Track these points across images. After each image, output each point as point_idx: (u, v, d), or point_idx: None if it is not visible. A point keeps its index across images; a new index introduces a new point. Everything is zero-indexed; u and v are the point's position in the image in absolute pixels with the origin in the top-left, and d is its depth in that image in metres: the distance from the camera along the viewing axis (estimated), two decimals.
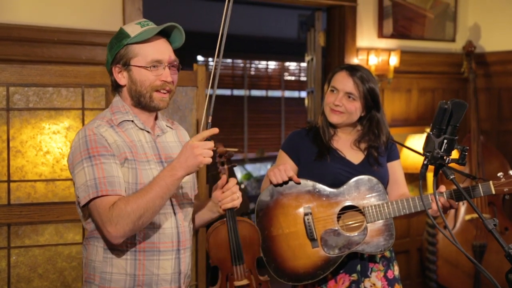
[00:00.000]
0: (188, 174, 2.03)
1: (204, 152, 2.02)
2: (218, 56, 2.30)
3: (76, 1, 3.74)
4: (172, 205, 2.16)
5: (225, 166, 2.42)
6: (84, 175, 2.01)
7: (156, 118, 2.26)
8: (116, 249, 2.09)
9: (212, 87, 2.29)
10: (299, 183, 2.65)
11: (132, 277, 2.10)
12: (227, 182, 2.33)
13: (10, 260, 3.14)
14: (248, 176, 8.80)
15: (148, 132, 2.18)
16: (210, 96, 2.33)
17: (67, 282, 3.25)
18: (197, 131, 3.57)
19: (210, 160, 2.06)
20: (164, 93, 2.15)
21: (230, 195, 2.32)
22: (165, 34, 2.18)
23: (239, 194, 2.34)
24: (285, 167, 2.63)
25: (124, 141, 2.09)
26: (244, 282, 2.53)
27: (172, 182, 2.01)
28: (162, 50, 2.14)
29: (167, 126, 2.30)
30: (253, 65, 9.15)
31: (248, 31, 8.46)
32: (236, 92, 9.08)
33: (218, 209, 2.36)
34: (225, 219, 2.48)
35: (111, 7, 3.83)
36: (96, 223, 2.03)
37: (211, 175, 2.64)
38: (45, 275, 3.21)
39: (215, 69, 2.23)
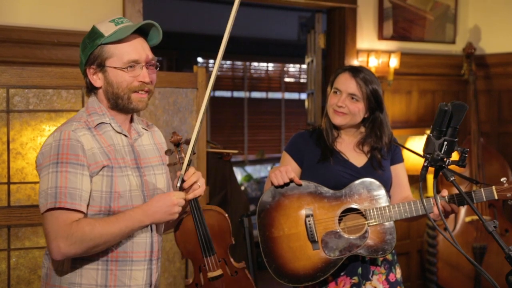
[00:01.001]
0: (151, 222, 2.04)
1: (178, 208, 2.05)
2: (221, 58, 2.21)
3: (76, 3, 3.74)
4: None
5: (183, 155, 2.32)
6: (47, 181, 1.94)
7: (131, 120, 2.18)
8: (87, 259, 2.00)
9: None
10: (300, 185, 2.65)
11: None
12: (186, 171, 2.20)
13: (10, 262, 3.14)
14: (248, 177, 8.80)
15: (125, 136, 2.11)
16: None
17: None
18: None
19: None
20: (143, 94, 2.07)
21: (190, 184, 2.17)
22: (141, 32, 2.08)
23: (201, 182, 2.20)
24: (286, 168, 2.63)
25: (101, 146, 2.01)
26: (218, 272, 2.48)
27: (137, 227, 2.01)
28: (139, 49, 2.05)
29: (142, 128, 2.22)
30: (253, 67, 9.16)
31: (248, 33, 8.46)
32: (236, 94, 9.08)
33: None
34: (187, 210, 2.38)
35: (111, 9, 3.83)
36: (46, 233, 1.93)
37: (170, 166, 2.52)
38: None
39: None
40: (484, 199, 2.53)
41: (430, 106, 5.35)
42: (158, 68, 2.15)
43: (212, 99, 8.59)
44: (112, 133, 2.08)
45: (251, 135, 9.16)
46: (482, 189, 2.53)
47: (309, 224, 2.61)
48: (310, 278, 2.60)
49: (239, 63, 8.95)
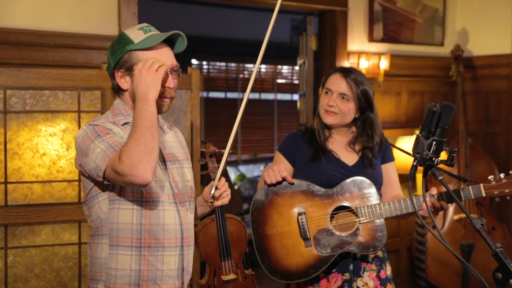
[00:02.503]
0: (154, 91, 2.01)
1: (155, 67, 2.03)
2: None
3: (73, 6, 3.73)
4: (175, 202, 2.16)
5: (216, 165, 2.44)
6: (98, 147, 1.98)
7: None
8: (121, 245, 2.08)
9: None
10: (292, 184, 2.65)
11: (137, 273, 2.09)
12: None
13: (7, 260, 3.13)
14: (242, 177, 8.80)
15: None
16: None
17: (63, 282, 3.24)
18: (191, 133, 3.57)
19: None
20: (166, 98, 2.14)
21: (221, 193, 2.31)
22: (167, 40, 2.16)
23: (228, 191, 2.33)
24: (279, 167, 2.63)
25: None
26: (232, 276, 2.60)
27: (152, 101, 1.99)
28: (166, 57, 2.13)
29: (167, 127, 2.30)
30: (246, 68, 9.15)
31: (241, 35, 8.45)
32: (230, 95, 9.07)
33: (208, 204, 2.35)
34: (214, 215, 2.51)
35: (106, 11, 3.82)
36: (120, 182, 1.94)
37: (202, 175, 2.71)
38: (42, 275, 3.20)
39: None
40: (472, 197, 2.54)
41: (419, 107, 5.37)
42: (180, 75, 2.21)
43: (206, 100, 8.58)
44: None
45: (244, 135, 9.16)
46: (470, 187, 2.54)
47: (302, 222, 2.61)
48: (303, 275, 2.61)
49: (232, 64, 8.94)
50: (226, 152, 2.23)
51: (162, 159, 2.17)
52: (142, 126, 1.94)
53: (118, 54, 2.10)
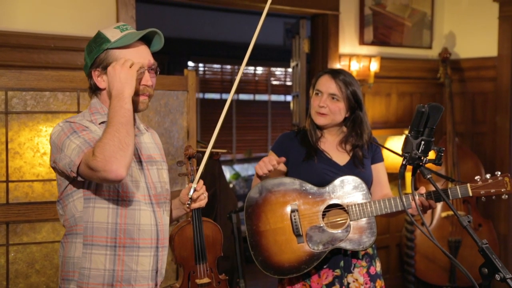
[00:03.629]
0: (129, 88, 1.96)
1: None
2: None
3: (72, 9, 3.72)
4: (151, 203, 2.10)
5: (194, 167, 2.40)
6: (74, 143, 1.92)
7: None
8: (96, 244, 2.01)
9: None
10: (283, 161, 2.64)
11: (111, 273, 2.02)
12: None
13: (8, 257, 3.12)
14: (237, 176, 8.80)
15: None
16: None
17: None
18: (188, 134, 3.56)
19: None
20: (144, 96, 2.09)
21: (198, 195, 2.27)
22: (144, 39, 2.11)
23: (205, 194, 2.29)
24: (269, 158, 2.62)
25: None
26: (206, 280, 2.55)
27: (127, 99, 1.94)
28: (143, 55, 2.08)
29: (144, 128, 2.25)
30: None
31: (236, 38, 8.45)
32: (225, 96, 9.06)
33: (184, 207, 2.31)
34: (190, 219, 2.47)
35: (105, 15, 3.81)
36: (93, 178, 1.88)
37: (180, 176, 2.68)
38: (42, 271, 3.19)
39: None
40: (460, 196, 2.55)
41: (408, 107, 5.38)
42: (158, 73, 2.17)
43: (202, 101, 8.57)
44: None
45: (239, 135, 9.15)
46: (457, 187, 2.55)
47: (294, 219, 2.62)
48: (295, 270, 2.61)
49: (227, 66, 8.93)
50: (206, 155, 2.17)
51: (139, 160, 2.11)
52: (117, 122, 1.88)
53: (95, 53, 2.06)
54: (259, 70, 9.35)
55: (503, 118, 5.15)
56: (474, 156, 5.12)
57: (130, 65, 2.00)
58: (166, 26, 7.63)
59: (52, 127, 3.15)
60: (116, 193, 2.02)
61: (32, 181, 3.15)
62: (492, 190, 2.53)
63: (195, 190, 2.23)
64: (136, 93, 2.04)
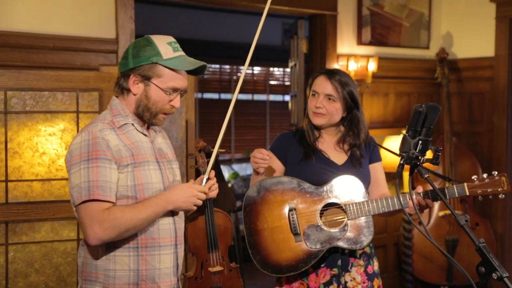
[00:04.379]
0: (179, 209, 2.14)
1: (199, 201, 2.14)
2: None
3: (71, 10, 3.72)
4: None
5: (205, 160, 2.46)
6: (80, 176, 1.99)
7: None
8: (119, 247, 2.08)
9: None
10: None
11: (136, 273, 2.09)
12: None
13: (8, 256, 3.11)
14: (235, 175, 8.80)
15: (145, 135, 2.18)
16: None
17: (62, 276, 3.23)
18: (186, 133, 3.56)
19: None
20: (166, 114, 2.17)
21: (210, 185, 2.30)
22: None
23: (216, 185, 2.34)
24: (260, 151, 2.62)
25: (125, 145, 2.08)
26: (218, 268, 2.60)
27: (161, 212, 2.08)
28: (185, 80, 2.14)
29: (157, 129, 2.31)
30: (239, 70, 9.14)
31: (235, 38, 8.44)
32: (224, 96, 9.06)
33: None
34: (201, 209, 2.52)
35: (104, 15, 3.81)
36: (82, 222, 2.00)
37: (192, 168, 2.74)
38: (42, 270, 3.19)
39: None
40: (457, 195, 2.55)
41: (406, 107, 5.38)
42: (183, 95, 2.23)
43: (201, 101, 8.57)
44: (135, 132, 2.15)
45: (237, 135, 9.15)
46: (454, 186, 2.55)
47: (292, 218, 2.62)
48: (293, 269, 2.61)
49: (226, 66, 8.93)
50: (217, 146, 2.24)
51: (156, 160, 2.17)
52: (148, 218, 2.04)
53: (142, 60, 2.07)
54: (258, 70, 9.34)
55: (500, 118, 5.16)
56: (471, 155, 5.13)
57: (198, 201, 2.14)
58: (164, 27, 7.62)
59: (51, 126, 3.17)
60: (134, 196, 2.07)
61: (31, 180, 3.15)
62: (489, 190, 2.53)
63: (208, 179, 2.27)
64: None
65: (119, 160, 2.04)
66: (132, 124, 2.14)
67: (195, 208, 2.16)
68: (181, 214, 2.26)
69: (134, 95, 2.12)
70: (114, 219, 1.96)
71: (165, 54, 2.08)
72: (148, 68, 2.08)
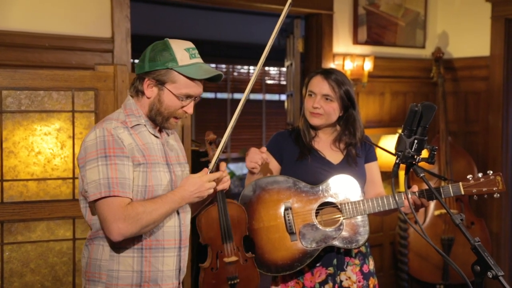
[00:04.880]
0: (192, 200, 2.14)
1: (210, 190, 2.15)
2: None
3: (67, 9, 3.71)
4: None
5: (215, 152, 2.45)
6: (98, 173, 1.99)
7: None
8: (123, 247, 2.07)
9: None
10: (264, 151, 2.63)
11: (139, 274, 2.09)
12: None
13: (3, 256, 3.10)
14: (231, 174, 8.79)
15: (156, 137, 2.18)
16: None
17: (58, 276, 3.22)
18: (183, 132, 3.56)
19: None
20: (178, 119, 2.16)
21: (222, 177, 2.29)
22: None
23: (228, 177, 2.33)
24: (257, 152, 2.61)
25: (137, 145, 2.08)
26: (233, 258, 2.64)
27: (177, 208, 2.11)
28: (198, 87, 2.13)
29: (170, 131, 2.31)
30: (235, 70, 9.14)
31: (231, 37, 8.45)
32: (220, 95, 9.07)
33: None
34: (215, 201, 2.57)
35: (100, 14, 3.80)
36: (104, 218, 1.99)
37: (202, 162, 2.74)
38: (37, 270, 3.18)
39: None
40: (452, 194, 2.56)
41: (401, 106, 5.38)
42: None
43: None
44: (147, 133, 2.14)
45: (233, 134, 9.14)
46: (450, 185, 2.55)
47: (288, 217, 2.62)
48: (288, 268, 2.61)
49: (222, 66, 8.93)
50: (225, 137, 2.27)
51: (166, 162, 2.16)
52: (166, 214, 2.06)
53: (158, 65, 2.07)
54: (254, 69, 9.34)
55: (495, 117, 5.16)
56: (466, 155, 5.13)
57: (210, 190, 2.15)
58: (160, 26, 7.61)
59: (46, 126, 3.16)
60: (143, 198, 2.07)
61: (27, 180, 3.14)
62: (484, 189, 2.53)
63: (217, 168, 2.26)
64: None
65: (132, 159, 2.05)
66: (145, 125, 2.14)
67: (204, 197, 2.17)
68: (188, 218, 2.25)
69: (148, 98, 2.12)
70: (137, 214, 1.97)
71: (181, 60, 2.08)
72: (163, 73, 2.07)
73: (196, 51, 2.15)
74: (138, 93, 2.15)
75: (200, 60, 2.14)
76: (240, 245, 2.67)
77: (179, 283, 2.21)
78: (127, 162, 2.02)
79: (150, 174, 2.08)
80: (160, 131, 2.21)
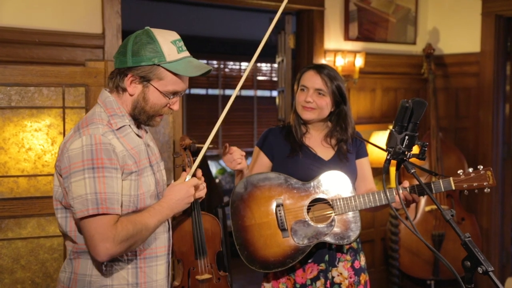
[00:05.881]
0: (181, 210, 2.06)
1: (192, 198, 2.06)
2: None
3: (57, 4, 3.68)
4: None
5: (191, 158, 2.34)
6: (84, 187, 1.82)
7: None
8: (116, 260, 1.94)
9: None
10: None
11: (135, 286, 1.98)
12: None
13: None
14: (222, 171, 8.79)
15: (140, 137, 2.05)
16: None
17: (48, 272, 3.22)
18: (174, 130, 3.55)
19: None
20: (162, 116, 2.04)
21: (199, 184, 2.16)
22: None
23: (204, 184, 2.22)
24: (231, 153, 2.61)
25: (127, 150, 1.94)
26: (207, 276, 2.46)
27: (165, 219, 2.00)
28: (185, 83, 2.01)
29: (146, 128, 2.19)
30: (227, 66, 9.12)
31: (222, 33, 8.42)
32: (211, 92, 9.04)
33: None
34: (188, 212, 2.40)
35: (90, 10, 3.78)
36: (90, 237, 1.83)
37: (177, 167, 2.57)
38: (28, 266, 3.17)
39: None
40: (443, 190, 2.57)
41: (392, 103, 5.40)
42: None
43: (188, 96, 8.54)
44: (132, 135, 2.00)
45: (225, 130, 9.14)
46: (440, 180, 2.56)
47: (279, 213, 2.62)
48: (280, 265, 2.61)
49: (214, 62, 8.91)
50: (206, 145, 2.14)
51: (150, 165, 2.04)
52: (155, 228, 1.94)
53: (143, 60, 1.91)
54: (245, 65, 9.33)
55: (485, 113, 5.19)
56: (457, 150, 5.16)
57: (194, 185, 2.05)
58: (151, 22, 7.57)
59: (37, 122, 3.14)
60: (135, 206, 1.95)
61: (17, 176, 3.13)
62: (475, 184, 2.54)
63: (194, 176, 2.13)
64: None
65: (123, 167, 1.90)
66: (129, 125, 2.00)
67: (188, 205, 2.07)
68: (170, 221, 2.16)
69: (131, 95, 1.96)
70: (127, 233, 1.83)
71: (169, 55, 1.92)
72: (148, 69, 1.91)
73: (182, 43, 2.00)
74: (118, 89, 1.98)
75: (187, 53, 2.01)
76: (214, 262, 2.50)
77: None
78: (116, 174, 1.86)
79: (140, 181, 1.95)
80: (139, 127, 2.07)
